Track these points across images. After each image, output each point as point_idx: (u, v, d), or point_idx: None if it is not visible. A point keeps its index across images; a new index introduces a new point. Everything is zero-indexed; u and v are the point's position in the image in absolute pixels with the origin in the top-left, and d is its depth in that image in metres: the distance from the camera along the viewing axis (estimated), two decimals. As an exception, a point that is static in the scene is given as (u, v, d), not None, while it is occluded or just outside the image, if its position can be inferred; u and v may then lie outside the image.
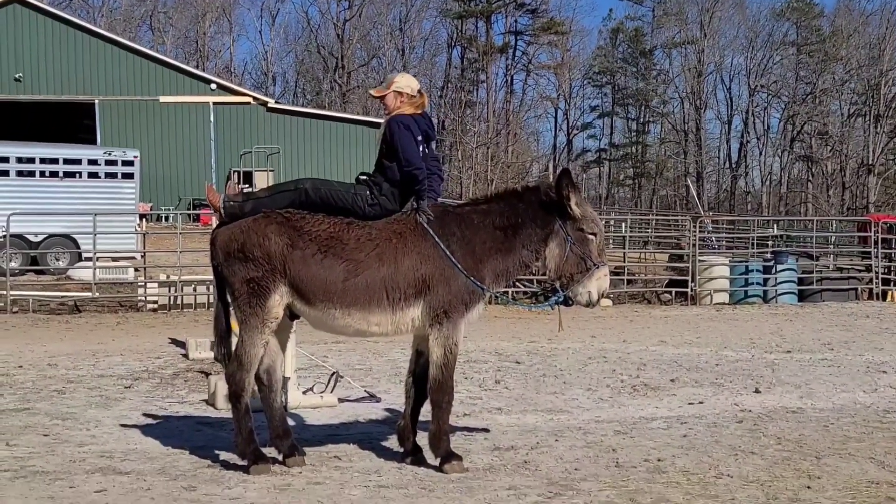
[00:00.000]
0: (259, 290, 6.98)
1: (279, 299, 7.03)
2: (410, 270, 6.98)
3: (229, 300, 7.26)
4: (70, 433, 8.42)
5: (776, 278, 22.93)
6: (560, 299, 7.34)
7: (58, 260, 24.70)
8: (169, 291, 20.90)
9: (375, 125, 44.12)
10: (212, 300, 16.99)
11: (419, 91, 7.43)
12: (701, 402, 10.20)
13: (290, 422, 8.03)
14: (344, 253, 6.95)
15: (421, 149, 7.25)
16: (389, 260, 6.97)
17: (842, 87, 68.54)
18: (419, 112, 7.37)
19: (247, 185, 39.40)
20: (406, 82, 7.41)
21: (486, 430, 8.58)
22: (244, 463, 7.13)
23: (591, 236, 7.16)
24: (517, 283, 20.25)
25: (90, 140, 38.87)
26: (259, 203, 7.20)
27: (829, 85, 68.29)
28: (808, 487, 6.88)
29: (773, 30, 71.06)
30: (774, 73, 70.97)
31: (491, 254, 7.15)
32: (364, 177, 7.33)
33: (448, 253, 7.00)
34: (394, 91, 7.36)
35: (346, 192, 7.19)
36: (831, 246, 31.67)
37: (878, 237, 24.24)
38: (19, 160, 26.09)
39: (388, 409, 9.57)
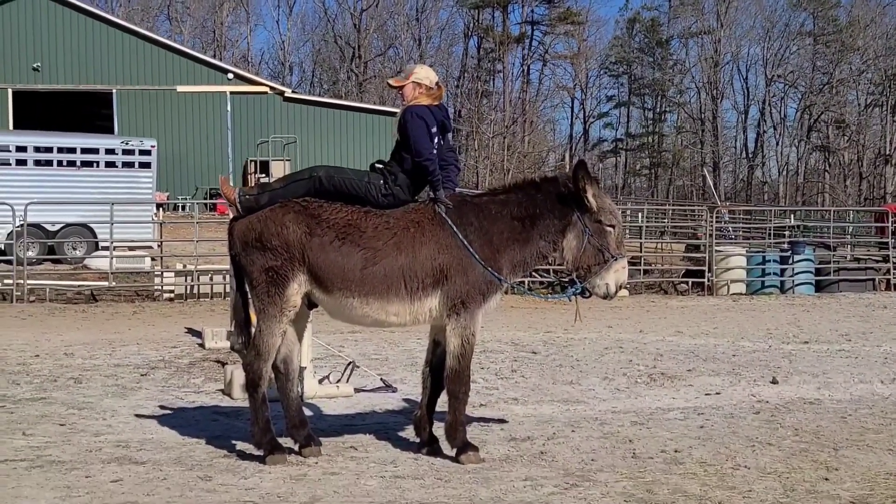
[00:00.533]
0: (277, 279, 6.98)
1: (297, 288, 7.02)
2: (428, 260, 6.96)
3: (247, 290, 7.25)
4: (86, 423, 8.45)
5: (793, 269, 22.82)
6: (578, 290, 7.31)
7: (74, 249, 24.77)
8: (185, 281, 20.94)
9: (392, 114, 43.96)
10: (228, 290, 17.03)
11: (437, 84, 7.40)
12: (718, 393, 10.17)
13: (307, 411, 8.03)
14: (362, 241, 6.94)
15: (436, 140, 7.22)
16: (407, 249, 6.95)
17: (859, 77, 68.08)
18: (436, 104, 7.35)
19: (263, 175, 39.51)
20: (425, 74, 7.38)
21: (504, 421, 8.57)
22: (260, 453, 7.13)
23: (609, 228, 7.11)
24: (534, 273, 20.21)
25: (108, 129, 39.01)
26: (274, 194, 7.16)
27: (845, 75, 67.84)
28: (826, 479, 6.84)
29: (790, 20, 70.63)
30: (791, 63, 70.52)
31: (508, 244, 7.13)
32: (380, 165, 7.31)
33: (466, 243, 6.98)
34: (412, 82, 7.33)
35: (360, 180, 7.16)
36: (848, 236, 31.53)
37: (895, 227, 24.09)
38: (37, 149, 26.16)
39: (404, 399, 9.57)
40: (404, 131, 7.17)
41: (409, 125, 7.13)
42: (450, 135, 7.55)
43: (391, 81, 7.62)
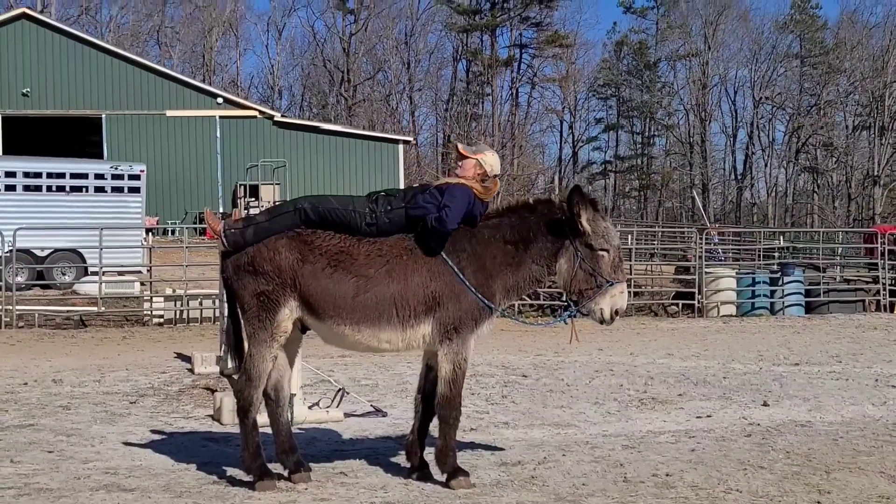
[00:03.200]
0: (269, 304, 6.95)
1: (289, 313, 7.00)
2: (420, 287, 6.93)
3: (239, 314, 7.23)
4: (75, 449, 8.39)
5: (783, 290, 22.88)
6: (573, 314, 7.26)
7: (64, 274, 24.69)
8: (175, 306, 20.90)
9: (380, 139, 44.26)
10: (218, 314, 16.99)
11: (496, 175, 7.32)
12: (709, 416, 10.15)
13: (296, 437, 7.98)
14: (354, 268, 6.92)
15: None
16: (399, 277, 6.93)
17: (846, 98, 68.48)
18: (485, 198, 7.21)
19: (253, 199, 39.44)
20: (492, 161, 7.30)
21: (500, 449, 8.52)
22: (250, 479, 7.09)
23: (601, 253, 7.03)
24: (527, 296, 20.22)
25: (97, 155, 38.93)
26: (259, 228, 7.09)
27: (833, 97, 68.23)
28: (818, 502, 6.82)
29: (777, 42, 71.05)
30: (779, 84, 70.91)
31: (501, 269, 7.09)
32: (382, 193, 7.23)
33: (457, 270, 6.95)
34: (477, 160, 7.27)
35: (345, 208, 7.09)
36: (838, 257, 31.61)
37: (884, 248, 24.18)
38: (26, 175, 26.13)
39: (394, 424, 9.53)
40: (446, 195, 7.01)
41: (456, 196, 6.98)
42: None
43: (461, 147, 7.45)
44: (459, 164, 7.35)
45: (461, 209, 7.00)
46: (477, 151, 7.34)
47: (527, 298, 20.91)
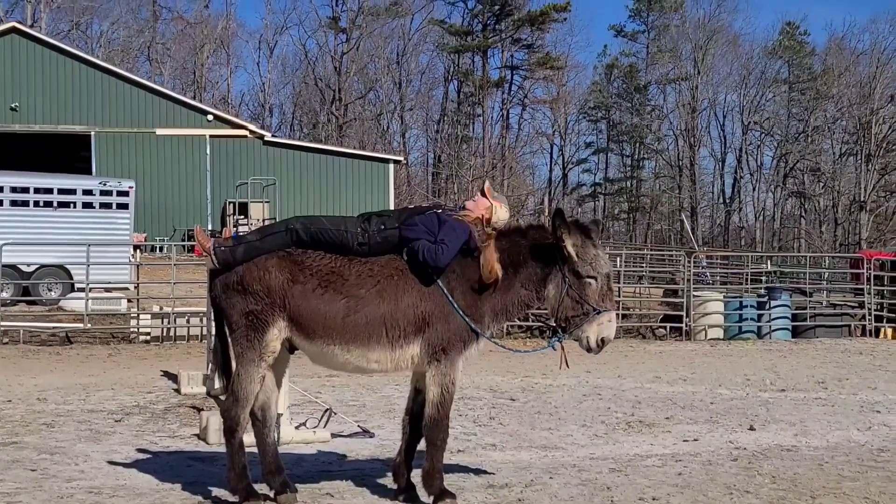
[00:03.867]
0: (257, 324, 6.94)
1: (277, 333, 6.98)
2: (410, 308, 6.93)
3: (227, 333, 7.21)
4: (58, 468, 8.34)
5: (770, 314, 22.94)
6: (561, 339, 7.23)
7: (50, 290, 24.59)
8: (162, 323, 20.82)
9: (370, 159, 44.27)
10: (205, 332, 16.93)
11: (494, 227, 7.30)
12: (696, 440, 10.16)
13: (283, 458, 7.95)
14: (344, 289, 6.91)
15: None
16: (390, 297, 6.92)
17: (833, 124, 68.91)
18: (480, 245, 7.15)
19: (242, 216, 39.39)
20: (502, 214, 7.35)
21: (487, 471, 8.50)
22: (235, 499, 7.06)
23: (589, 280, 6.97)
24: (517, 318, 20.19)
25: (86, 171, 38.75)
26: (250, 247, 7.09)
27: (820, 122, 68.64)
28: (805, 528, 6.82)
29: (766, 67, 71.53)
30: (767, 109, 71.33)
31: (490, 292, 7.09)
32: (374, 214, 7.22)
33: (447, 291, 6.95)
34: (493, 205, 7.30)
35: (336, 228, 7.09)
36: (824, 282, 31.71)
37: (870, 274, 24.28)
38: (13, 189, 26.04)
39: (381, 445, 9.51)
40: (445, 230, 7.01)
41: (454, 235, 6.98)
42: None
43: (487, 186, 7.46)
44: (475, 199, 7.38)
45: (456, 248, 6.99)
46: (496, 199, 7.38)
47: (515, 319, 20.90)
